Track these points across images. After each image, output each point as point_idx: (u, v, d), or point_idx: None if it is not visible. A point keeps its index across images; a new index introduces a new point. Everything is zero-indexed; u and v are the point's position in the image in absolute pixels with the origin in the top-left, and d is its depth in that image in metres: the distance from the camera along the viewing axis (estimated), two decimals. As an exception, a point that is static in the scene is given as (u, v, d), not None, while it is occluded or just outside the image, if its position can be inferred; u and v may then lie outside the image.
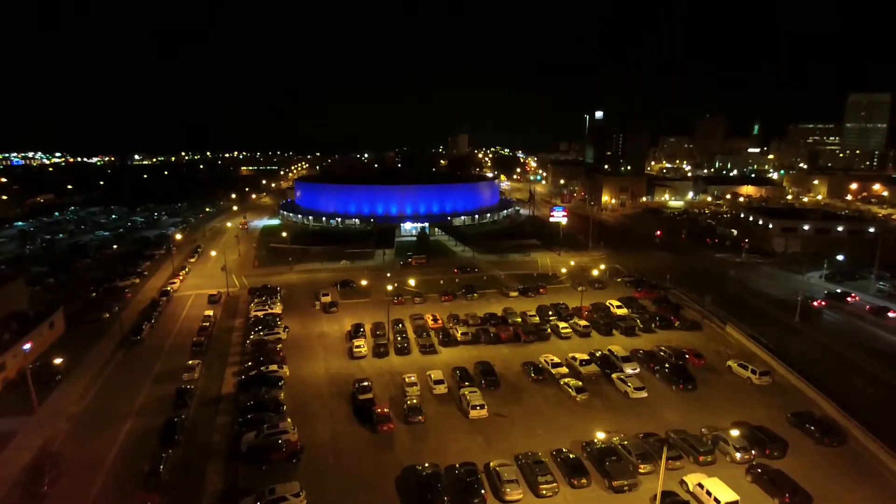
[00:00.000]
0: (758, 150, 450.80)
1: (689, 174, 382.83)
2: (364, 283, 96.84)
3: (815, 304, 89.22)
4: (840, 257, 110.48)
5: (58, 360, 65.00)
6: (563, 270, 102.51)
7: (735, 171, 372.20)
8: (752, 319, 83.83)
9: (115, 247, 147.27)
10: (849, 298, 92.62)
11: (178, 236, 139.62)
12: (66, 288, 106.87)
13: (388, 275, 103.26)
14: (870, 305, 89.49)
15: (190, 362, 68.01)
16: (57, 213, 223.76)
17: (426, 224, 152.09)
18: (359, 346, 71.02)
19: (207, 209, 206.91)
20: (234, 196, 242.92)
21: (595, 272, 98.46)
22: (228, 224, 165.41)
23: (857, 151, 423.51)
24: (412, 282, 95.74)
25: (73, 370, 68.71)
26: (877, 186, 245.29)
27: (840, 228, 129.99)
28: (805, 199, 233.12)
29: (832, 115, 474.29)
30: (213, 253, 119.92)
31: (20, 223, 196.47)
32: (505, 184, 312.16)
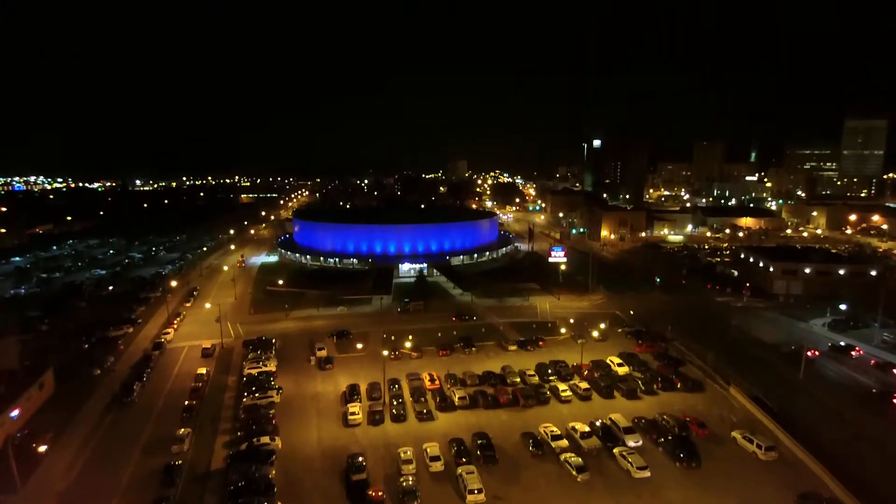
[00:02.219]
0: (755, 177, 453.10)
1: (688, 202, 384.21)
2: (360, 345, 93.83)
3: (809, 353, 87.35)
4: (843, 306, 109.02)
5: (42, 448, 62.65)
6: (563, 330, 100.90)
7: (733, 200, 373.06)
8: (755, 374, 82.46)
9: (110, 287, 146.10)
10: (853, 353, 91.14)
11: (174, 283, 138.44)
12: (58, 335, 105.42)
13: (385, 335, 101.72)
14: (874, 360, 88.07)
15: (180, 431, 66.21)
16: (55, 248, 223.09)
17: (424, 265, 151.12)
18: (354, 413, 69.29)
19: (205, 247, 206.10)
20: (232, 231, 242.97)
21: (595, 333, 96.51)
22: (225, 268, 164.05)
23: (855, 179, 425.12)
24: (408, 344, 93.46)
25: (60, 436, 67.14)
26: (876, 217, 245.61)
27: (842, 271, 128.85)
28: (805, 234, 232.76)
29: (830, 138, 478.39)
30: (208, 305, 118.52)
31: (17, 259, 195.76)
32: (508, 216, 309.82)
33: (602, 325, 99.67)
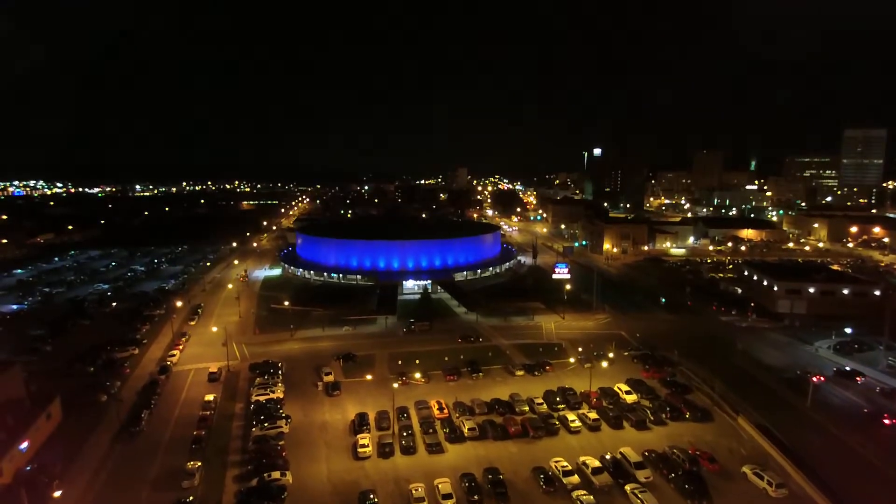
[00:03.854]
0: (755, 186, 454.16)
1: (688, 212, 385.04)
2: (369, 376, 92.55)
3: (815, 379, 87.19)
4: (848, 330, 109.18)
5: (57, 493, 61.11)
6: (572, 361, 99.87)
7: (734, 210, 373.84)
8: (762, 402, 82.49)
9: (114, 304, 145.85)
10: (858, 378, 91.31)
11: (179, 303, 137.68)
12: (63, 357, 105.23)
13: (391, 359, 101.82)
14: (881, 387, 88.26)
15: (189, 465, 66.00)
16: (56, 259, 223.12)
17: (428, 282, 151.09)
18: (363, 446, 69.12)
19: (208, 262, 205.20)
20: (234, 244, 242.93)
21: (605, 364, 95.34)
22: (230, 286, 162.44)
23: (855, 189, 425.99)
24: (418, 375, 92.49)
25: (69, 469, 66.86)
26: (877, 229, 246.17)
27: (846, 291, 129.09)
28: (807, 247, 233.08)
29: (829, 147, 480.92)
30: (215, 329, 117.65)
31: (19, 270, 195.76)
32: (514, 229, 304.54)
33: (611, 355, 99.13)
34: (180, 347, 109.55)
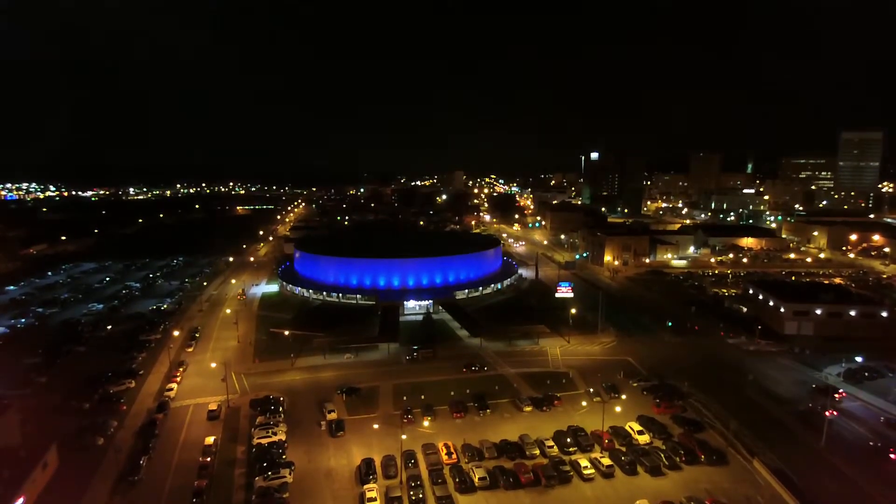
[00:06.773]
0: (752, 190, 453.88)
1: (686, 218, 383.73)
2: (376, 426, 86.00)
3: (828, 413, 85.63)
4: (859, 358, 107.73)
5: None
6: (584, 403, 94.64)
7: (732, 214, 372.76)
8: (775, 438, 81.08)
9: (108, 327, 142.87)
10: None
11: (176, 332, 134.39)
12: (58, 389, 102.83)
13: (395, 391, 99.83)
14: (884, 417, 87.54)
15: (191, 523, 63.70)
16: (50, 273, 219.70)
17: (430, 302, 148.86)
18: (371, 499, 66.76)
19: (204, 281, 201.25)
20: (231, 258, 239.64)
21: (617, 408, 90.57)
22: (227, 310, 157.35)
23: (852, 192, 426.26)
24: (426, 423, 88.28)
25: (65, 527, 64.46)
26: (877, 237, 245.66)
27: (853, 313, 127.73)
28: (808, 258, 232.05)
29: (824, 147, 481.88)
30: (214, 365, 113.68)
31: (12, 287, 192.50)
32: (519, 244, 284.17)
33: (623, 397, 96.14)
34: (178, 379, 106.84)
